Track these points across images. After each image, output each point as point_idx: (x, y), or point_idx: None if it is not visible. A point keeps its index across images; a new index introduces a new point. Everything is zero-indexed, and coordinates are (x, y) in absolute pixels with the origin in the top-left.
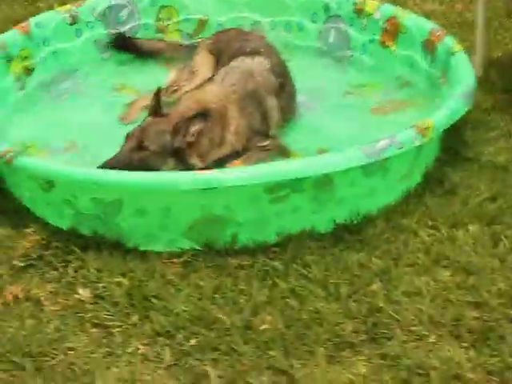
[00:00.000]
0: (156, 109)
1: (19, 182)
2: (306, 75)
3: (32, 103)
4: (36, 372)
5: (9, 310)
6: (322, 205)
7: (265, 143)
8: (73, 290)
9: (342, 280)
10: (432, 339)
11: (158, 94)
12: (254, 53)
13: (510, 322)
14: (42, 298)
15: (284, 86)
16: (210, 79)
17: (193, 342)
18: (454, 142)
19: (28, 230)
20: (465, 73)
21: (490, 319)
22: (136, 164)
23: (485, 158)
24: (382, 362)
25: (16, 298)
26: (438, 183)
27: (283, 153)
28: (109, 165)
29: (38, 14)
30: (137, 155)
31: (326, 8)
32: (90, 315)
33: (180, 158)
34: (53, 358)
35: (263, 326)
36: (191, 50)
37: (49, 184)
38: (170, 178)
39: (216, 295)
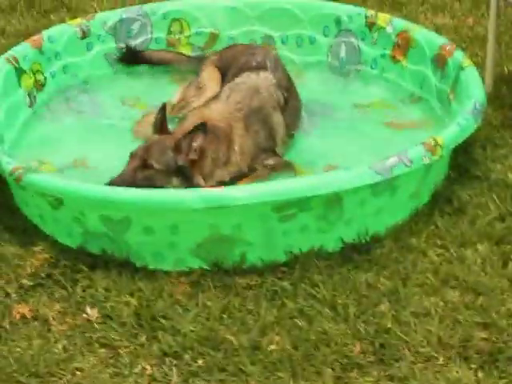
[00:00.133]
0: (161, 126)
1: (28, 199)
2: (316, 89)
3: (42, 119)
4: None
5: (16, 330)
6: (331, 224)
7: (271, 161)
8: (81, 309)
9: (350, 300)
10: (440, 361)
11: (162, 111)
12: (259, 67)
13: None
14: (50, 318)
15: (289, 101)
16: (216, 97)
17: (200, 362)
18: (463, 160)
19: (36, 249)
20: (475, 88)
21: (499, 340)
22: (140, 183)
23: (494, 176)
24: (389, 383)
25: (24, 317)
26: (447, 202)
27: (290, 170)
28: (113, 184)
29: (49, 26)
30: (141, 174)
31: (338, 22)
32: (97, 335)
33: (184, 176)
34: (60, 379)
35: (271, 347)
36: (199, 61)
37: (58, 201)
38: (178, 195)
39: (224, 315)
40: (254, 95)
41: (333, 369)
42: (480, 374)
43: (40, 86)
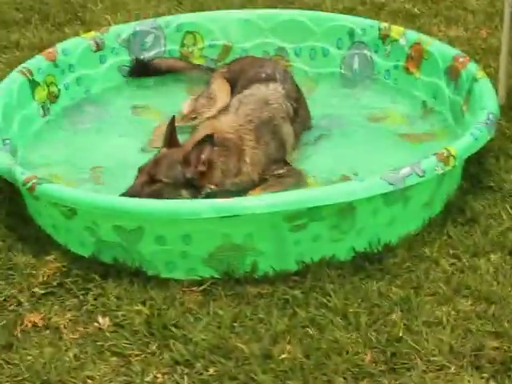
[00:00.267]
0: (170, 140)
1: (41, 209)
2: (329, 101)
3: (56, 130)
4: None
5: (28, 338)
6: (343, 233)
7: (281, 171)
8: (92, 318)
9: (361, 309)
10: (452, 370)
11: (172, 124)
12: (268, 79)
13: None
14: (62, 326)
15: (298, 111)
16: (225, 109)
17: (211, 371)
18: (476, 170)
19: (49, 258)
20: (488, 100)
21: (511, 350)
22: (148, 197)
23: (507, 187)
24: None
25: (35, 325)
26: (460, 212)
27: (300, 179)
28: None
29: (63, 39)
30: (149, 189)
31: (351, 34)
32: (109, 343)
33: (194, 188)
34: None
35: (282, 356)
36: (208, 69)
37: (71, 211)
38: (190, 205)
39: (235, 324)
40: (263, 107)
41: (344, 378)
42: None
43: (54, 97)
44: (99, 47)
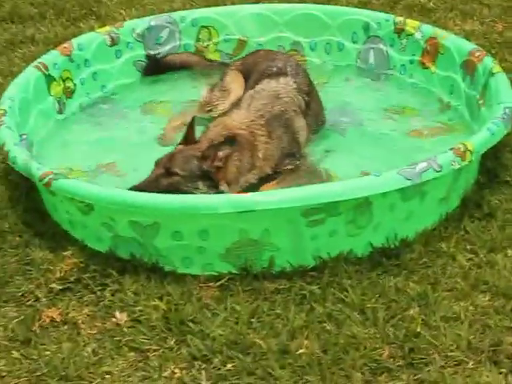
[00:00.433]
0: (187, 138)
1: (58, 204)
2: (344, 96)
3: (72, 125)
4: None
5: (46, 334)
6: (360, 228)
7: (295, 165)
8: (110, 313)
9: (379, 304)
10: (470, 365)
11: (192, 124)
12: (279, 73)
13: None
14: (80, 322)
15: (310, 105)
16: (237, 105)
17: (229, 366)
18: (493, 165)
19: (66, 253)
20: (505, 94)
21: None
22: (164, 189)
23: None
24: None
25: (53, 321)
26: (476, 207)
27: (314, 172)
28: (135, 189)
29: (78, 34)
30: (165, 181)
31: (366, 28)
32: (126, 339)
33: (210, 181)
34: (90, 382)
35: (300, 351)
36: (220, 65)
37: (88, 207)
38: (206, 200)
39: (253, 319)
40: (274, 101)
41: (362, 373)
42: (510, 379)
43: (69, 92)
44: (114, 42)
